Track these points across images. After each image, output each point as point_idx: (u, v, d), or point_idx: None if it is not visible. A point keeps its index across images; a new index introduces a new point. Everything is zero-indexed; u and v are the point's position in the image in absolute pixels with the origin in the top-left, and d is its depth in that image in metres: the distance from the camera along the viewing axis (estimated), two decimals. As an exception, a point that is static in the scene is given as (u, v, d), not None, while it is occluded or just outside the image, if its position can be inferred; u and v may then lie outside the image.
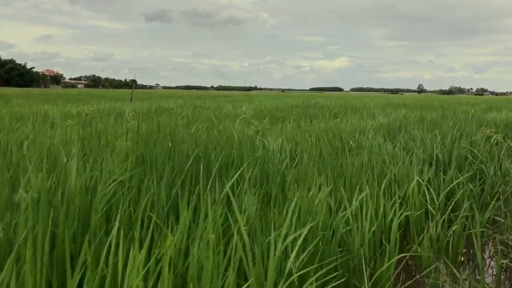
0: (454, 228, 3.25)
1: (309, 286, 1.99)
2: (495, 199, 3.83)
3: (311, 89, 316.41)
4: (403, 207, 3.28)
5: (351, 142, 5.26)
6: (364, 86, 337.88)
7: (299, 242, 2.07)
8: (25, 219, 1.75)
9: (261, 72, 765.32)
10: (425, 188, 3.57)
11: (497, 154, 5.03)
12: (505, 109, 14.75)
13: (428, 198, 3.51)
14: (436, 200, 3.51)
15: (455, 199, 3.63)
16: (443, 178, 4.01)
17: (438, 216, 3.28)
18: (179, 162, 3.05)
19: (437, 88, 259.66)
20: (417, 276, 2.99)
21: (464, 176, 4.03)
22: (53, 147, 3.44)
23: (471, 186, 4.01)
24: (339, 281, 2.22)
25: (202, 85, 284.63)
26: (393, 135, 6.47)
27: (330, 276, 2.18)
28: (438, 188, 3.80)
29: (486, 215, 3.55)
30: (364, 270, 2.33)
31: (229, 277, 1.75)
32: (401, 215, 2.99)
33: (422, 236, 3.17)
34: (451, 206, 3.53)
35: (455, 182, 3.89)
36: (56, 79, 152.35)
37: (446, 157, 4.79)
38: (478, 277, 2.94)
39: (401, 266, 2.97)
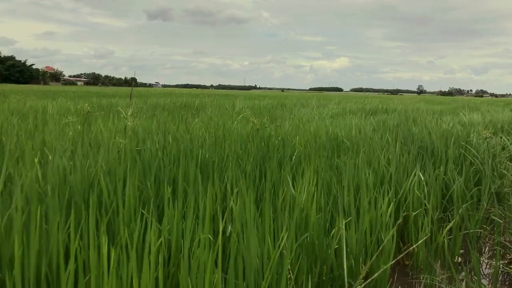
0: (449, 227, 3.23)
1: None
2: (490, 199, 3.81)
3: (311, 89, 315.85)
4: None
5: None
6: (364, 87, 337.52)
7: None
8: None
9: (261, 71, 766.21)
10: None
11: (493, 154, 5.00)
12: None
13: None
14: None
15: (451, 198, 3.61)
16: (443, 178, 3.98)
17: (435, 216, 3.26)
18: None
19: (436, 89, 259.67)
20: (414, 277, 2.98)
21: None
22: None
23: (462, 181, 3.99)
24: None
25: (201, 84, 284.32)
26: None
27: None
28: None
29: (482, 215, 3.53)
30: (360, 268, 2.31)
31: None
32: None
33: (418, 235, 3.15)
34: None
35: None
36: (56, 76, 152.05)
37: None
38: (474, 277, 2.92)
39: (395, 265, 2.95)
